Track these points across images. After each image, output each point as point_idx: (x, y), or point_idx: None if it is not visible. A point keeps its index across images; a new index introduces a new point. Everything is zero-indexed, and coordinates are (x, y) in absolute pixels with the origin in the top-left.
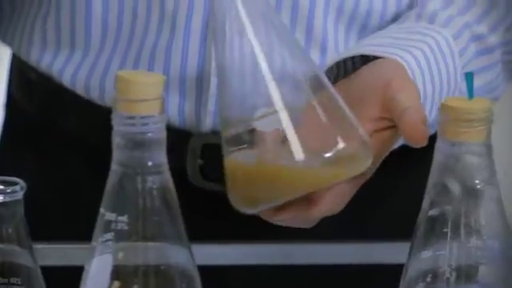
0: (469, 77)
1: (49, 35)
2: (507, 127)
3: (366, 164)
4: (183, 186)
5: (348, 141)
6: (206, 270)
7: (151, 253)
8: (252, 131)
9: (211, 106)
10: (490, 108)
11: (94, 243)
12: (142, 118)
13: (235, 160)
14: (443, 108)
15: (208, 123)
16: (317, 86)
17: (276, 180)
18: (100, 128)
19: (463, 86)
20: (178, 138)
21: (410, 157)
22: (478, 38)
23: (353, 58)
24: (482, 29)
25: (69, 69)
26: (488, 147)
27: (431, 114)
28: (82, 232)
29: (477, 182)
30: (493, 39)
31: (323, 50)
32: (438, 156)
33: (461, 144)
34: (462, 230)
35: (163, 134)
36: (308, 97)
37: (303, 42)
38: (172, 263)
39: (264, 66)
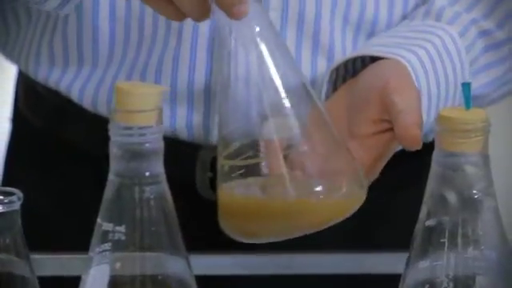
0: (465, 87)
1: (56, 52)
2: (506, 136)
3: (361, 197)
4: (192, 197)
5: (343, 173)
6: (203, 280)
7: (148, 263)
8: (254, 152)
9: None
10: (486, 118)
11: (91, 253)
12: (140, 128)
13: (231, 191)
14: (440, 118)
15: (216, 134)
16: (307, 103)
17: (274, 219)
18: (106, 141)
19: (473, 83)
20: (186, 151)
21: (408, 167)
22: (485, 33)
23: (362, 57)
24: (489, 24)
25: (77, 84)
26: (485, 157)
27: (438, 111)
28: (83, 243)
29: (474, 192)
30: (500, 34)
31: (330, 57)
32: (435, 166)
33: (458, 154)
34: (460, 241)
35: (160, 145)
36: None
37: (310, 50)
38: (169, 273)
39: (272, 80)
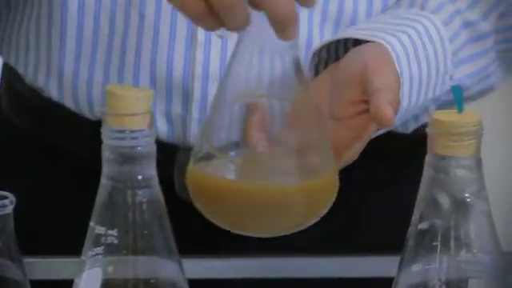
0: (457, 90)
1: (31, 47)
2: (505, 136)
3: (336, 186)
4: (171, 199)
5: (321, 159)
6: (196, 284)
7: (141, 266)
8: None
9: (196, 112)
10: (479, 121)
11: (83, 257)
12: (132, 132)
13: (202, 170)
14: (432, 122)
15: (194, 133)
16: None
17: (245, 204)
18: (90, 141)
19: (456, 73)
20: (165, 152)
21: (401, 170)
22: (469, 24)
23: (346, 42)
24: (473, 16)
25: (53, 82)
26: (477, 161)
27: (419, 98)
28: (73, 246)
29: (466, 195)
30: (484, 26)
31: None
32: (428, 169)
33: (450, 158)
34: (452, 244)
35: (153, 148)
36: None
37: None
38: (162, 277)
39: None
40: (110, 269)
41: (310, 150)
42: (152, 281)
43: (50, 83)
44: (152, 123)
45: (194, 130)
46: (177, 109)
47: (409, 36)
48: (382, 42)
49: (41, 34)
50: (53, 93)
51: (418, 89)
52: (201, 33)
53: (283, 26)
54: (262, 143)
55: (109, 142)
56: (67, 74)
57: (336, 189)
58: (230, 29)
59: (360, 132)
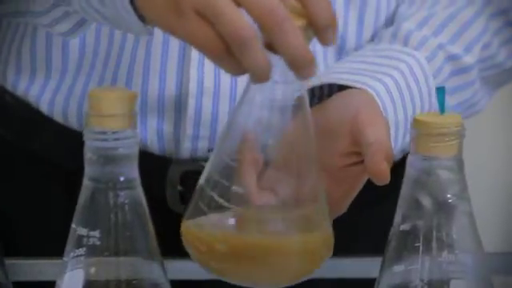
0: (440, 92)
1: (24, 60)
2: (505, 136)
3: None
4: (163, 211)
5: (314, 212)
6: (179, 285)
7: (123, 268)
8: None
9: (189, 129)
10: (461, 122)
11: (65, 258)
12: (114, 133)
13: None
14: (415, 123)
15: (186, 147)
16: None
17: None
18: (76, 153)
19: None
20: (157, 165)
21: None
22: (452, 57)
23: (330, 83)
24: (456, 49)
25: (46, 95)
26: (460, 161)
27: (405, 138)
28: (55, 247)
29: (448, 196)
30: (468, 59)
31: None
32: (410, 170)
33: (432, 158)
34: (434, 245)
35: (135, 149)
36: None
37: None
38: (144, 278)
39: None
40: (92, 270)
41: (306, 200)
42: (134, 282)
43: (41, 98)
44: (135, 124)
45: (186, 144)
46: (168, 126)
47: (394, 79)
48: (367, 88)
49: (37, 51)
50: (42, 106)
51: (403, 131)
52: (194, 50)
53: (300, 66)
54: (262, 196)
55: (91, 143)
56: (62, 91)
57: (332, 241)
58: (251, 75)
59: (350, 183)
